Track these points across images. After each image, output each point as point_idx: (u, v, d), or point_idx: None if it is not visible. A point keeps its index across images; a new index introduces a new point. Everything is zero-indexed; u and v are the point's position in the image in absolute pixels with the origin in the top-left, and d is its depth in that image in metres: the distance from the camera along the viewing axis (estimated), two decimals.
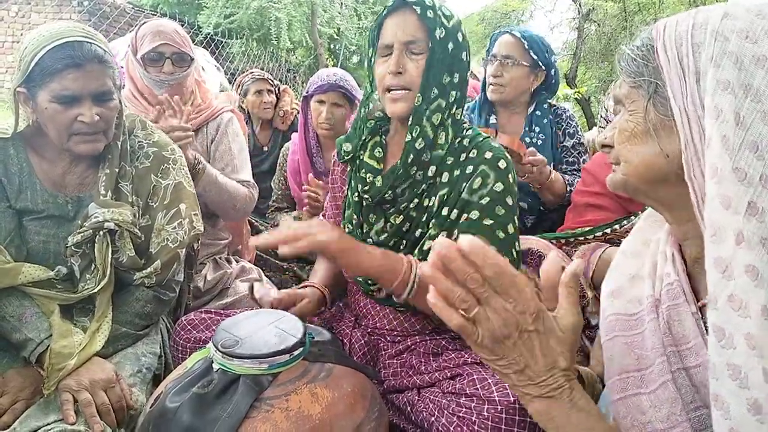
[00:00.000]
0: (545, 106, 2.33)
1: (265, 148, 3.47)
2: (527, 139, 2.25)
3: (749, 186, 0.63)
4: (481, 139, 1.39)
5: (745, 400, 0.61)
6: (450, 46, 1.33)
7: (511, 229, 1.30)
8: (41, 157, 1.46)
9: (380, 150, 1.48)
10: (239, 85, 3.55)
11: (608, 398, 0.87)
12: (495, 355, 0.72)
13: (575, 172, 2.21)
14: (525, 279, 0.70)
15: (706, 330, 0.68)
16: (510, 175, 1.33)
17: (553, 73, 2.31)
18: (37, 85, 1.32)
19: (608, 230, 1.60)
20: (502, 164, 1.33)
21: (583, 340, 1.53)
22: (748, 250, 0.61)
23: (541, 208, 2.22)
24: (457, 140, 1.39)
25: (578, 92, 10.26)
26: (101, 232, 1.40)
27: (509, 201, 1.31)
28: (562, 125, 2.29)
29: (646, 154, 0.77)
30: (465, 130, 1.42)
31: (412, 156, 1.35)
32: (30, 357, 1.30)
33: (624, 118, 0.81)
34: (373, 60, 1.42)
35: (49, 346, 1.30)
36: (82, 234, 1.39)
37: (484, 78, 2.35)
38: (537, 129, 2.26)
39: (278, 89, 3.60)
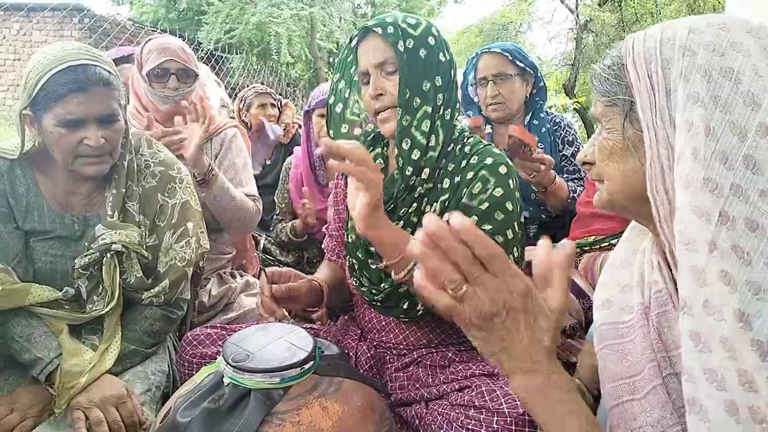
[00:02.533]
0: (542, 114, 2.35)
1: (268, 162, 3.48)
2: None
3: (720, 196, 0.65)
4: (482, 146, 1.40)
5: (723, 402, 0.62)
6: (422, 52, 1.34)
7: (510, 234, 1.30)
8: (47, 177, 1.46)
9: (381, 161, 1.50)
10: (242, 100, 3.56)
11: (605, 407, 0.88)
12: (483, 332, 0.72)
13: (576, 181, 2.21)
14: (514, 264, 0.70)
15: None
16: (511, 181, 1.34)
17: (539, 75, 2.35)
18: (42, 108, 1.32)
19: (614, 240, 1.60)
20: (502, 170, 1.34)
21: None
22: (721, 258, 0.63)
23: (543, 216, 2.23)
24: (458, 147, 1.40)
25: (577, 101, 10.31)
26: (109, 254, 1.41)
27: (509, 206, 1.32)
28: (561, 133, 2.31)
29: (628, 171, 0.79)
30: (466, 138, 1.42)
31: (410, 167, 1.36)
32: (40, 376, 1.30)
33: (603, 136, 0.83)
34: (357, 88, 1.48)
35: (59, 365, 1.30)
36: (89, 256, 1.40)
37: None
38: (536, 138, 2.28)
39: (280, 103, 3.62)
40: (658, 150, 0.72)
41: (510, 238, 1.30)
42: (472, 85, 2.40)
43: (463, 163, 1.37)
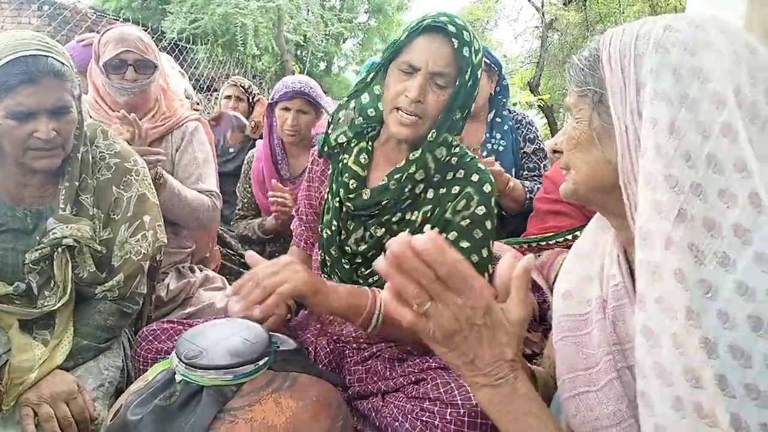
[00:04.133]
0: (505, 112, 2.39)
1: (231, 150, 3.49)
2: (489, 146, 2.30)
3: (680, 193, 0.66)
4: (468, 159, 1.42)
5: (670, 397, 0.64)
6: (470, 83, 1.32)
7: (485, 252, 1.33)
8: None
9: (366, 156, 1.46)
10: (221, 92, 3.76)
11: (560, 397, 0.90)
12: (445, 347, 0.75)
13: (536, 178, 2.26)
14: (476, 275, 0.72)
15: None
16: (493, 200, 1.37)
17: (503, 74, 2.39)
18: None
19: (570, 236, 1.64)
20: (487, 188, 1.36)
21: (545, 343, 1.56)
22: (676, 255, 0.65)
23: (503, 213, 2.27)
24: (446, 157, 1.40)
25: (541, 99, 10.45)
26: (60, 249, 1.37)
27: (488, 225, 1.34)
28: (522, 131, 2.35)
29: (592, 162, 0.81)
30: (453, 147, 1.42)
31: (409, 184, 1.36)
32: None
33: (572, 126, 0.84)
34: (381, 66, 1.40)
35: (7, 360, 1.27)
36: (40, 251, 1.36)
37: None
38: (498, 135, 2.32)
39: (253, 98, 3.67)
40: (628, 143, 0.73)
41: (484, 257, 1.33)
42: None
43: (449, 175, 1.38)
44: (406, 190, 1.37)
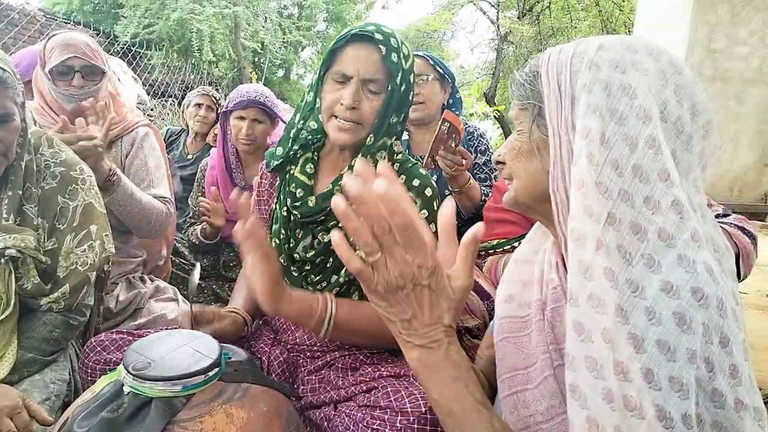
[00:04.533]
0: None
1: (190, 156, 3.52)
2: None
3: (609, 199, 0.70)
4: (409, 165, 1.45)
5: (601, 390, 0.67)
6: (403, 87, 1.37)
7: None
8: None
9: (312, 166, 1.49)
10: (187, 100, 3.71)
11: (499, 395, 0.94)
12: (386, 302, 0.75)
13: (487, 188, 2.31)
14: (430, 235, 0.72)
15: None
16: (435, 203, 1.40)
17: (456, 87, 2.46)
18: None
19: (516, 243, 1.69)
20: (428, 192, 1.40)
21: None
22: (606, 255, 0.69)
23: (457, 221, 2.31)
24: (388, 163, 1.43)
25: (497, 110, 10.65)
26: (2, 260, 1.34)
27: (431, 228, 1.37)
28: (474, 143, 2.40)
29: (532, 171, 0.86)
30: (396, 154, 1.47)
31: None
32: None
33: (514, 137, 0.89)
34: (320, 77, 1.42)
35: None
36: None
37: None
38: (463, 127, 2.37)
39: (218, 109, 3.67)
40: (561, 153, 0.77)
41: None
42: None
43: None
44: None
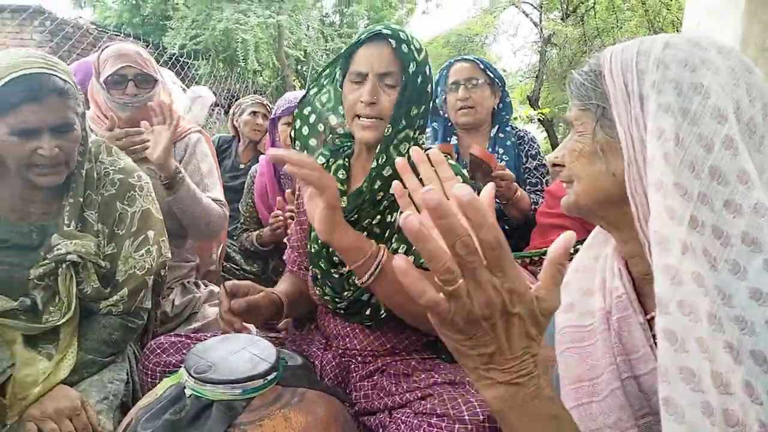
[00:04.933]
0: (507, 128, 2.41)
1: (242, 167, 3.53)
2: None
3: (689, 201, 0.67)
4: None
5: (700, 403, 0.61)
6: (419, 79, 1.39)
7: None
8: (2, 185, 1.43)
9: (344, 172, 1.52)
10: (238, 105, 3.68)
11: None
12: (463, 335, 0.62)
13: (538, 193, 2.28)
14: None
15: (654, 340, 0.70)
16: None
17: (506, 90, 2.43)
18: None
19: (571, 250, 1.65)
20: (458, 181, 1.38)
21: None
22: (694, 259, 0.65)
23: (506, 227, 2.28)
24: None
25: (541, 113, 10.51)
26: (64, 265, 1.38)
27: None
28: (525, 147, 2.37)
29: (595, 174, 0.82)
30: (421, 147, 1.45)
31: (379, 182, 1.39)
32: None
33: (574, 139, 0.86)
34: (337, 81, 1.48)
35: (10, 375, 1.27)
36: (44, 267, 1.37)
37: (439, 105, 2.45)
38: (500, 150, 2.34)
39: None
40: (635, 154, 0.74)
41: None
42: (438, 97, 2.46)
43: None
44: (378, 188, 1.40)
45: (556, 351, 0.94)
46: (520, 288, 0.60)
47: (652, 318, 0.80)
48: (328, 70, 1.55)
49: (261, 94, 12.80)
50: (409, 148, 1.40)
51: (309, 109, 1.58)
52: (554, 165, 0.93)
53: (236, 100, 3.90)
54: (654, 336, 0.70)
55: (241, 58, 10.56)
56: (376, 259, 1.27)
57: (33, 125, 1.30)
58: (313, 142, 1.57)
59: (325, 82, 1.57)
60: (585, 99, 0.83)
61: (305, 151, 1.58)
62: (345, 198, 1.46)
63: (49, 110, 1.31)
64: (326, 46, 12.88)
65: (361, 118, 1.39)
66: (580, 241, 1.68)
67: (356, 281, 1.31)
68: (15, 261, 1.40)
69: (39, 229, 1.43)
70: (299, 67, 13.27)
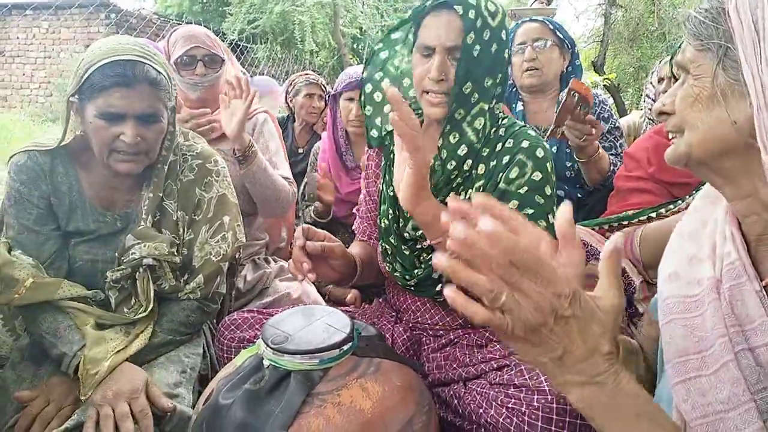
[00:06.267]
0: None
1: (301, 150, 3.52)
2: None
3: None
4: (517, 128, 1.37)
5: None
6: (493, 47, 1.30)
7: (551, 218, 1.27)
8: (89, 173, 1.46)
9: None
10: (291, 84, 3.60)
11: (668, 382, 0.85)
12: (529, 344, 0.65)
13: (614, 157, 2.17)
14: (553, 258, 0.64)
15: None
16: (548, 164, 1.31)
17: (576, 52, 2.32)
18: (87, 98, 1.32)
19: (653, 214, 1.56)
20: (539, 153, 1.31)
21: (631, 330, 1.50)
22: None
23: (579, 195, 2.19)
24: (492, 130, 1.37)
25: (607, 79, 10.07)
26: (141, 269, 1.41)
27: (548, 191, 1.29)
28: (596, 110, 2.26)
29: (712, 121, 0.75)
30: (500, 120, 1.39)
31: (453, 162, 1.34)
32: (68, 370, 1.29)
33: (688, 83, 0.78)
34: (404, 51, 1.42)
35: (82, 356, 1.29)
36: (121, 271, 1.40)
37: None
38: (592, 94, 2.24)
39: (328, 97, 3.66)
40: (765, 98, 0.67)
41: (550, 223, 1.27)
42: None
43: (498, 146, 1.34)
44: (453, 167, 1.34)
45: (660, 322, 0.88)
46: (565, 290, 0.62)
47: None
48: (398, 33, 1.48)
49: (318, 75, 12.89)
50: (485, 123, 1.34)
51: (381, 74, 1.53)
52: (660, 113, 0.86)
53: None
54: None
55: (298, 39, 10.64)
56: None
57: (119, 110, 1.32)
58: (386, 108, 1.53)
59: (398, 47, 1.50)
60: (704, 38, 0.75)
61: (375, 119, 1.54)
62: None
63: (137, 98, 1.32)
64: (382, 22, 12.78)
65: (429, 94, 1.33)
66: (663, 205, 1.60)
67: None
68: (99, 251, 1.44)
69: (123, 217, 1.47)
70: (355, 45, 13.24)
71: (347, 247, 1.40)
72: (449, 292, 0.62)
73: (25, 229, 1.40)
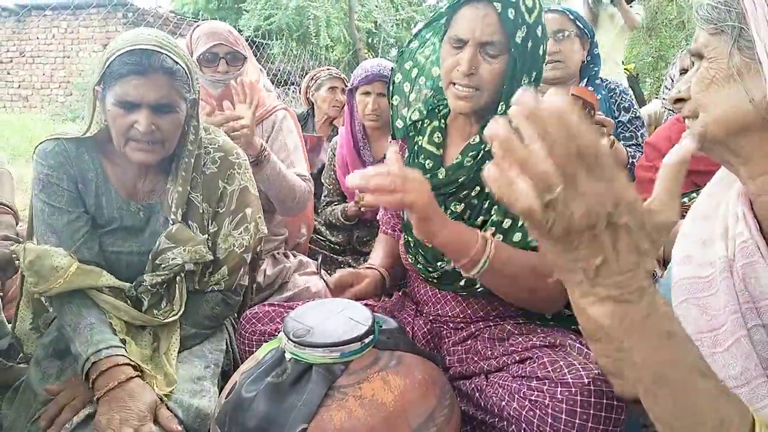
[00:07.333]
0: (597, 81, 2.28)
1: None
2: None
3: None
4: None
5: None
6: (530, 44, 1.27)
7: None
8: (114, 163, 1.48)
9: (439, 135, 1.45)
10: (313, 78, 3.60)
11: None
12: (563, 246, 0.56)
13: (634, 147, 2.15)
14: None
15: None
16: None
17: (594, 41, 2.30)
18: (107, 86, 1.34)
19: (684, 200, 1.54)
20: None
21: None
22: None
23: None
24: None
25: (626, 69, 9.94)
26: (182, 274, 1.43)
27: None
28: (617, 100, 2.24)
29: (729, 101, 0.75)
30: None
31: (487, 159, 1.32)
32: (81, 372, 1.27)
33: (704, 67, 0.79)
34: (435, 41, 1.40)
35: (93, 362, 1.25)
36: (162, 277, 1.42)
37: None
38: (597, 98, 2.22)
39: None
40: None
41: None
42: None
43: None
44: (483, 165, 1.33)
45: (673, 303, 0.89)
46: (629, 197, 0.54)
47: None
48: (432, 26, 1.47)
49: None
50: None
51: (411, 63, 1.51)
52: (676, 101, 0.86)
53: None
54: None
55: (314, 34, 10.63)
56: (484, 254, 1.17)
57: (134, 98, 1.33)
58: (413, 97, 1.51)
59: (428, 36, 1.48)
60: (718, 22, 0.76)
61: (403, 109, 1.53)
62: (442, 170, 1.40)
63: (152, 87, 1.33)
64: (396, 15, 12.73)
65: (456, 86, 1.31)
66: (686, 194, 1.58)
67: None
68: (123, 243, 1.46)
69: (145, 207, 1.48)
70: (370, 39, 13.20)
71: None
72: (491, 172, 0.55)
73: (57, 210, 1.41)
